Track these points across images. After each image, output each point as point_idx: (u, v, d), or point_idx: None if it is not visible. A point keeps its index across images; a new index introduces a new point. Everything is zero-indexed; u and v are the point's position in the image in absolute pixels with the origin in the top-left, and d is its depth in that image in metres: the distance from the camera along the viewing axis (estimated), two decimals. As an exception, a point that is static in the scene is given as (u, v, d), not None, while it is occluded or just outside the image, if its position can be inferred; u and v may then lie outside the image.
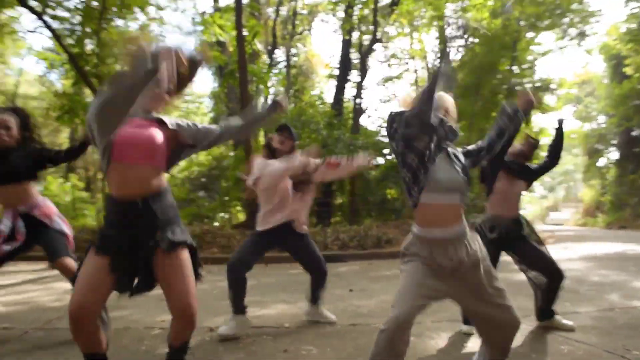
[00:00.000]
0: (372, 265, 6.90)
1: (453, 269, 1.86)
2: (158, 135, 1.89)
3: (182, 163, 20.16)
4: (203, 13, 15.22)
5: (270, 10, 18.16)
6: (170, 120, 1.98)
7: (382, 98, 23.91)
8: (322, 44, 49.32)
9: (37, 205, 2.94)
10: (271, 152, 3.29)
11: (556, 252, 9.22)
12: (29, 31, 11.58)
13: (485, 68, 12.43)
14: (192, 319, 1.92)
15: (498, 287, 1.91)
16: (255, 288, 5.00)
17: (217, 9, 12.25)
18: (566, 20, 13.96)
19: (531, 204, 40.08)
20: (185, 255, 1.93)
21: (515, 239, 3.13)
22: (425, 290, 1.82)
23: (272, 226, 3.16)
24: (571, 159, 37.02)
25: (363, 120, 15.86)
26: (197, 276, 2.05)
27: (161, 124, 1.95)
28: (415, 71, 21.16)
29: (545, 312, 3.16)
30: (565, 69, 48.07)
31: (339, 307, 3.99)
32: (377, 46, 19.50)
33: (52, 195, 12.15)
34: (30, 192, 2.95)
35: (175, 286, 1.87)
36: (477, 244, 1.94)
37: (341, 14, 13.46)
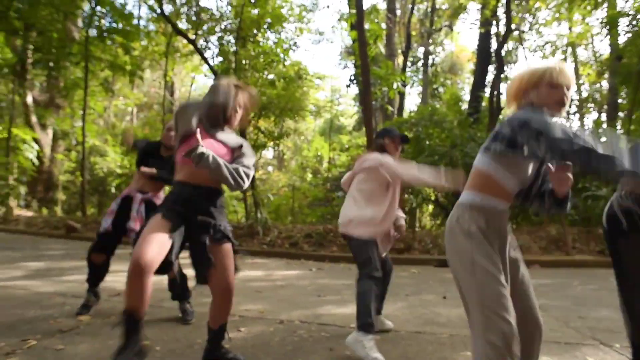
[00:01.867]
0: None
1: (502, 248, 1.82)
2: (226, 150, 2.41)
3: (325, 164, 21.32)
4: (340, 18, 15.94)
5: (407, 9, 17.98)
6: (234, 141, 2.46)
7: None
8: (468, 38, 46.53)
9: (159, 196, 3.65)
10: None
11: None
12: (185, 55, 13.56)
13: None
14: (231, 296, 2.33)
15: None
16: (350, 287, 5.19)
17: (346, 15, 12.68)
18: None
19: None
20: (229, 247, 2.34)
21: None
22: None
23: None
24: None
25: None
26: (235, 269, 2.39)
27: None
28: (575, 59, 18.76)
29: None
30: None
31: (417, 312, 3.94)
32: (530, 35, 17.85)
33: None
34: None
35: (220, 267, 2.27)
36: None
37: (477, 7, 12.72)
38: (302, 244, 8.92)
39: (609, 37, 15.52)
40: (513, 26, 10.90)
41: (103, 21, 11.12)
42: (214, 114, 2.39)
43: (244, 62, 11.14)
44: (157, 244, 2.06)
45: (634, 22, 12.01)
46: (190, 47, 15.01)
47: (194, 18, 11.52)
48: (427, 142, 12.01)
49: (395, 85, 10.07)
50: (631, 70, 10.92)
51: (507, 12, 9.63)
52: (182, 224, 2.25)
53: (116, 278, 5.20)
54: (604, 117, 18.46)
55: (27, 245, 8.50)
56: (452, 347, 3.01)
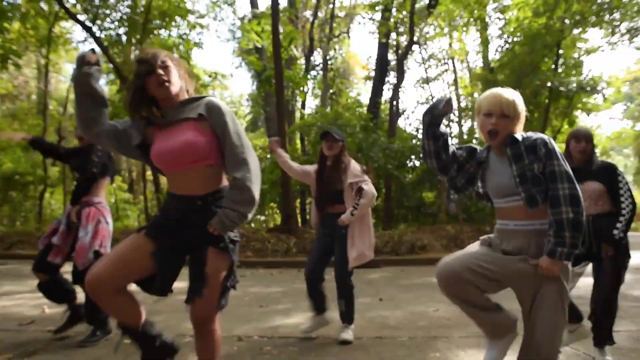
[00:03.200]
0: (404, 272, 6.86)
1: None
2: (190, 133, 1.84)
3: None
4: (242, 19, 15.61)
5: (308, 14, 18.31)
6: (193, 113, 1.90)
7: (420, 100, 23.57)
8: (360, 45, 49.13)
9: (92, 204, 3.21)
10: (323, 159, 3.45)
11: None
12: (79, 42, 12.19)
13: (526, 69, 12.05)
14: (205, 334, 1.92)
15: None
16: (287, 295, 5.11)
17: (255, 16, 12.46)
18: (617, 15, 13.35)
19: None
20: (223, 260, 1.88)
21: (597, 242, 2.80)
22: None
23: None
24: (622, 160, 35.22)
25: (400, 123, 15.74)
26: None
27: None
28: (454, 71, 20.81)
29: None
30: (616, 66, 45.60)
31: (366, 317, 4.01)
32: (415, 47, 19.35)
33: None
34: (94, 191, 3.25)
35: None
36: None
37: (378, 16, 13.45)
38: (214, 250, 8.54)
39: (481, 54, 17.64)
40: (415, 38, 11.72)
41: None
42: (131, 101, 1.90)
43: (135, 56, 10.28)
44: (115, 264, 1.81)
45: (507, 45, 13.74)
46: (69, 34, 13.51)
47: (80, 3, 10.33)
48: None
49: (305, 88, 10.13)
50: (509, 86, 12.45)
51: (411, 25, 10.37)
52: (171, 243, 1.87)
53: (20, 302, 4.49)
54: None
55: None
56: (418, 348, 3.11)
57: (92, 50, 1.87)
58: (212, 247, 1.82)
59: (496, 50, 14.85)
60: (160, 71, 1.85)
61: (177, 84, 1.90)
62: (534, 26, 12.37)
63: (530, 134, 1.93)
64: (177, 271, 1.95)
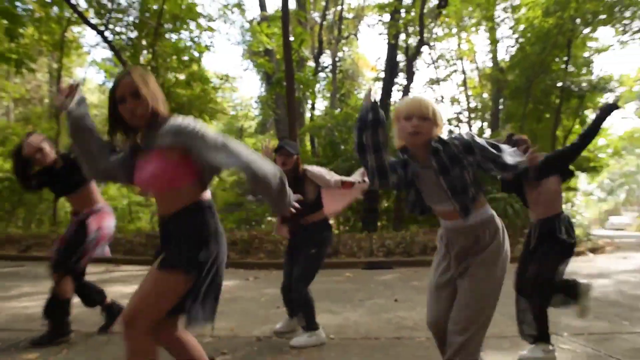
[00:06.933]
0: (418, 274, 6.85)
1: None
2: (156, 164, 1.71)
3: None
4: (251, 21, 15.68)
5: (317, 16, 18.36)
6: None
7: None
8: (368, 47, 49.01)
9: (94, 212, 3.25)
10: None
11: (612, 262, 8.78)
12: (91, 46, 12.35)
13: (537, 68, 12.00)
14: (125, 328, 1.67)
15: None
16: (302, 296, 5.12)
17: (265, 18, 12.52)
18: (628, 13, 13.27)
19: (588, 207, 37.92)
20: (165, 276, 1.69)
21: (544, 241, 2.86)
22: None
23: None
24: (633, 160, 34.83)
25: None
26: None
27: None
28: (464, 72, 20.72)
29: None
30: (629, 65, 45.09)
31: (383, 317, 4.02)
32: (425, 48, 19.31)
33: (110, 199, 12.92)
34: (91, 198, 3.28)
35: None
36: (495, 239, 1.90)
37: (387, 17, 13.44)
38: (228, 252, 8.58)
39: (491, 54, 17.59)
40: (424, 39, 11.71)
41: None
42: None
43: (147, 59, 10.40)
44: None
45: (517, 45, 13.70)
46: (82, 38, 13.66)
47: (93, 5, 10.44)
48: (343, 147, 12.37)
49: (315, 90, 10.15)
50: (520, 86, 12.44)
51: (421, 26, 10.36)
52: None
53: (40, 302, 4.54)
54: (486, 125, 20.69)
55: None
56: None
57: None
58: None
59: (506, 51, 14.86)
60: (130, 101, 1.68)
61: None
62: (545, 26, 12.32)
63: (452, 136, 1.87)
64: None
